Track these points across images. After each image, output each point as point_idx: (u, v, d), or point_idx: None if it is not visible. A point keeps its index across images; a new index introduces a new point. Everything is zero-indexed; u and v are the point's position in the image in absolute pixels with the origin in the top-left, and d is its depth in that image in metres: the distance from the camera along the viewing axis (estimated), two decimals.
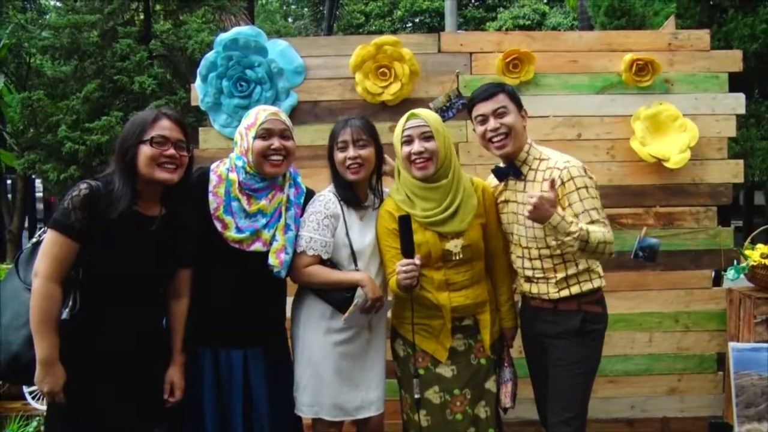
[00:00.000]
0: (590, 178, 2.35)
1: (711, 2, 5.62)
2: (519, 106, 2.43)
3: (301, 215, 2.44)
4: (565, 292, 2.39)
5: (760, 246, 3.36)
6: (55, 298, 2.00)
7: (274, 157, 2.32)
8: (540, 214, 2.17)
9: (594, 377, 2.48)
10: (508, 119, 2.37)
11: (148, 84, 7.16)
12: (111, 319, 2.08)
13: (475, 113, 2.44)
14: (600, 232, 2.24)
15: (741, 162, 3.47)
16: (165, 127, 2.12)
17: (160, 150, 2.09)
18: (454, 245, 2.38)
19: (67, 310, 2.02)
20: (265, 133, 2.30)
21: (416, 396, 2.38)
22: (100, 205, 2.03)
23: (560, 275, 2.39)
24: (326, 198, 2.44)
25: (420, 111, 2.43)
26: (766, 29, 5.26)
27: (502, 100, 2.38)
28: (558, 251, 2.37)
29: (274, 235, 2.34)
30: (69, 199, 2.03)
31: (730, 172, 3.43)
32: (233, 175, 2.33)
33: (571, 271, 2.38)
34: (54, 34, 7.58)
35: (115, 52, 7.51)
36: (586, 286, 2.40)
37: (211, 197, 2.31)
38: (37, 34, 8.15)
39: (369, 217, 2.50)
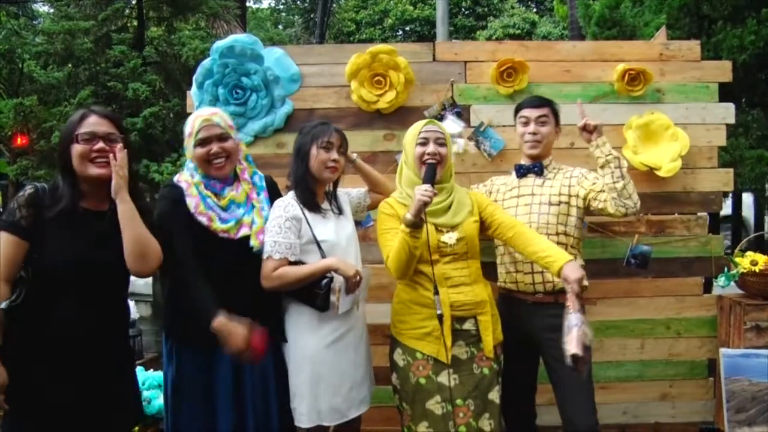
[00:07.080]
0: None
1: (700, 13, 5.67)
2: (557, 122, 2.87)
3: (268, 197, 2.54)
4: None
5: (749, 253, 3.40)
6: (2, 296, 2.03)
7: (216, 161, 2.41)
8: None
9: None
10: (545, 129, 2.81)
11: (142, 91, 7.14)
12: (59, 315, 2.07)
13: (520, 115, 2.86)
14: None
15: (731, 170, 3.50)
16: (92, 123, 2.14)
17: (89, 146, 2.11)
18: (449, 237, 2.51)
19: (7, 301, 2.03)
20: (202, 141, 2.39)
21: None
22: (44, 203, 2.07)
23: None
24: (285, 202, 2.50)
25: (435, 121, 2.65)
26: (754, 41, 5.31)
27: (546, 111, 2.82)
28: (564, 241, 2.69)
29: (253, 219, 2.45)
30: (15, 200, 2.09)
31: (720, 180, 3.47)
32: (197, 179, 2.43)
33: None
34: (48, 40, 7.58)
35: (109, 58, 7.50)
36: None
37: (188, 200, 2.38)
38: (30, 39, 8.13)
39: (331, 218, 2.57)
